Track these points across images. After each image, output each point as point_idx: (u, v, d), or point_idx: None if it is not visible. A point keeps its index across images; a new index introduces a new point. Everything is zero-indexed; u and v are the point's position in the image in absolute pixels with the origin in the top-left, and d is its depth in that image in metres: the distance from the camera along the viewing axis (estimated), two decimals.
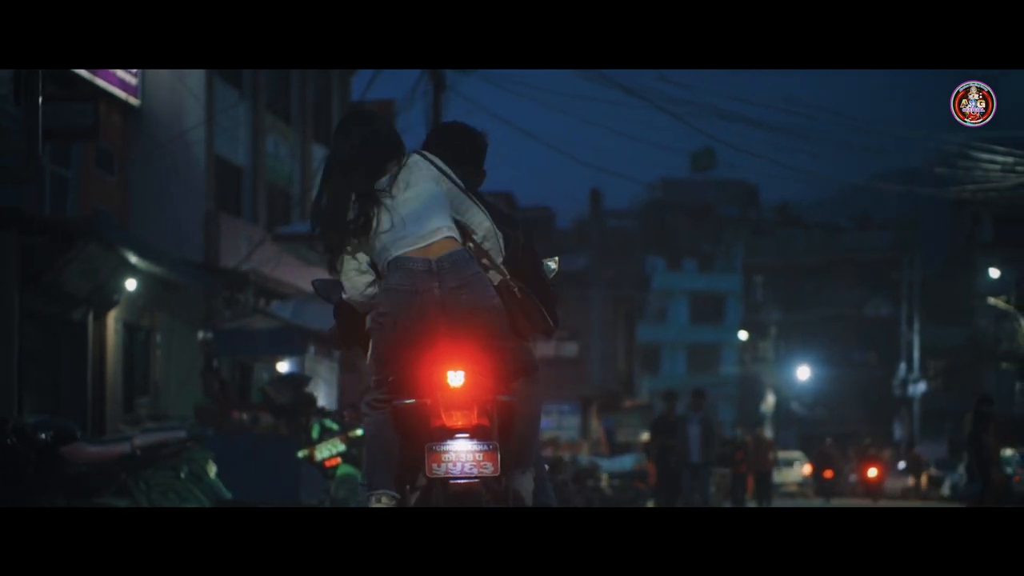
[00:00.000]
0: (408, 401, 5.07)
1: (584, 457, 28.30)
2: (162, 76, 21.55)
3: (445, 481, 4.95)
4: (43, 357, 17.48)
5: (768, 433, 36.48)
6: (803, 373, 60.21)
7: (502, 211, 5.45)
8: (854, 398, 61.12)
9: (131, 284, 18.20)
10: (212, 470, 10.87)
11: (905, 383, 56.20)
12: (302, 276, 22.23)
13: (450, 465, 4.93)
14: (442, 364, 4.96)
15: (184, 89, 21.84)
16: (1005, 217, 47.91)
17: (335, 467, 13.56)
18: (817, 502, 33.69)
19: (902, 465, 45.73)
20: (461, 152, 5.47)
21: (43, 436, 9.91)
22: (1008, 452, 24.25)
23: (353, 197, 5.12)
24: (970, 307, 53.03)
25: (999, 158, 22.42)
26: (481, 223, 5.25)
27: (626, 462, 27.77)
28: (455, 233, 5.14)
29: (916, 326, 56.73)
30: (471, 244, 5.22)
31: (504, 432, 5.13)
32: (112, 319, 18.95)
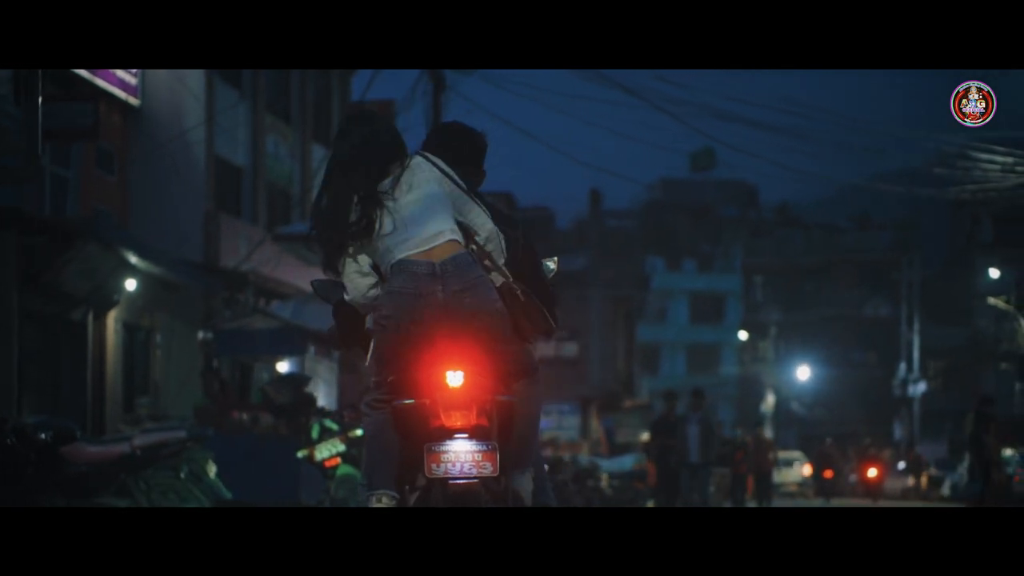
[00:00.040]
0: (408, 401, 5.08)
1: (584, 457, 28.29)
2: (162, 76, 21.54)
3: (444, 481, 4.94)
4: (43, 357, 17.48)
5: (768, 433, 36.41)
6: (803, 373, 60.15)
7: (502, 211, 5.45)
8: (854, 398, 61.06)
9: (131, 284, 18.20)
10: (212, 470, 10.86)
11: (905, 383, 56.24)
12: (302, 276, 22.21)
13: (449, 465, 4.93)
14: (441, 364, 4.96)
15: (184, 89, 21.84)
16: (1005, 217, 47.97)
17: (335, 467, 13.57)
18: (817, 502, 33.68)
19: (902, 465, 45.74)
20: (461, 152, 5.47)
21: (43, 436, 9.90)
22: (1008, 452, 24.23)
23: (355, 199, 5.11)
24: (970, 307, 53.02)
25: (999, 158, 22.41)
26: (484, 225, 5.24)
27: (626, 462, 27.73)
28: (458, 236, 5.13)
29: (916, 326, 56.78)
30: (474, 246, 5.22)
31: (504, 432, 5.13)
32: (112, 319, 18.95)
